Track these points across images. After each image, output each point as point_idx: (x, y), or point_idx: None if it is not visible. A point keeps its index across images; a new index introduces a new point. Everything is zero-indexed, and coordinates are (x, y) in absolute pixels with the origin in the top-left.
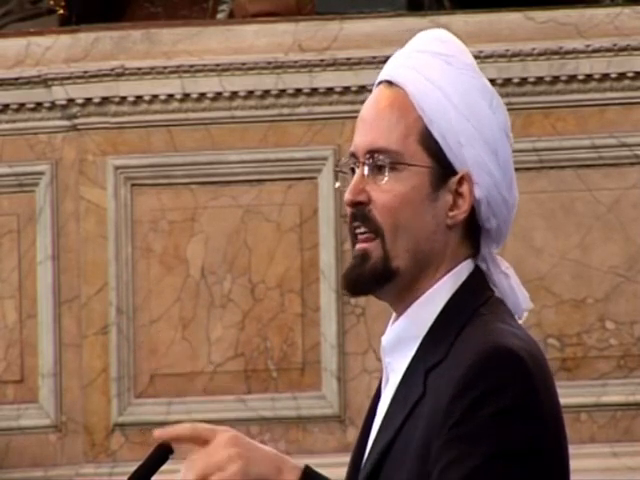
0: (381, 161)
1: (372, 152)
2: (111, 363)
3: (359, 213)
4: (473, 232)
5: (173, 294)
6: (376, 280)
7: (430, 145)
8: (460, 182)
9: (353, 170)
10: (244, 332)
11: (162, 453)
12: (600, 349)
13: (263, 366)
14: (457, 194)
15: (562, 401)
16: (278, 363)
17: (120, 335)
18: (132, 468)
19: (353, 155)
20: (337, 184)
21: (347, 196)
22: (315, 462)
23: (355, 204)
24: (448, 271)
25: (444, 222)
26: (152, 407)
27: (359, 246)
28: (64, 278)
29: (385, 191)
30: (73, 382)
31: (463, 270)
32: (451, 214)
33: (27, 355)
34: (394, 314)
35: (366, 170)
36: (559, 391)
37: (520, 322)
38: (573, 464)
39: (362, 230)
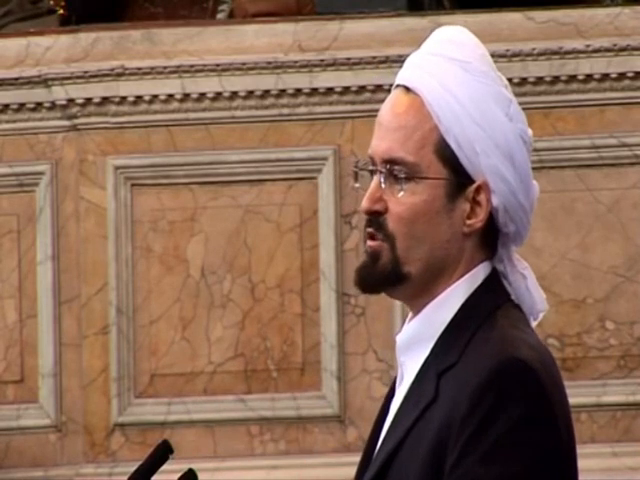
0: (397, 172)
1: (389, 162)
2: (111, 363)
3: (374, 221)
4: (491, 236)
5: (173, 294)
6: (386, 281)
7: (446, 155)
8: (477, 191)
9: (372, 172)
10: (244, 332)
11: (162, 453)
12: (600, 349)
13: (263, 366)
14: (474, 202)
15: None
16: (278, 363)
17: (120, 335)
18: (132, 468)
19: (371, 159)
20: (357, 184)
21: (364, 204)
22: (315, 462)
23: (371, 213)
24: (464, 274)
25: (460, 230)
26: (152, 407)
27: (370, 243)
28: (64, 278)
29: (401, 203)
30: (73, 382)
31: (479, 272)
32: (468, 222)
33: (27, 355)
34: (410, 312)
35: (383, 179)
36: None
37: (535, 323)
38: None
39: (375, 234)
